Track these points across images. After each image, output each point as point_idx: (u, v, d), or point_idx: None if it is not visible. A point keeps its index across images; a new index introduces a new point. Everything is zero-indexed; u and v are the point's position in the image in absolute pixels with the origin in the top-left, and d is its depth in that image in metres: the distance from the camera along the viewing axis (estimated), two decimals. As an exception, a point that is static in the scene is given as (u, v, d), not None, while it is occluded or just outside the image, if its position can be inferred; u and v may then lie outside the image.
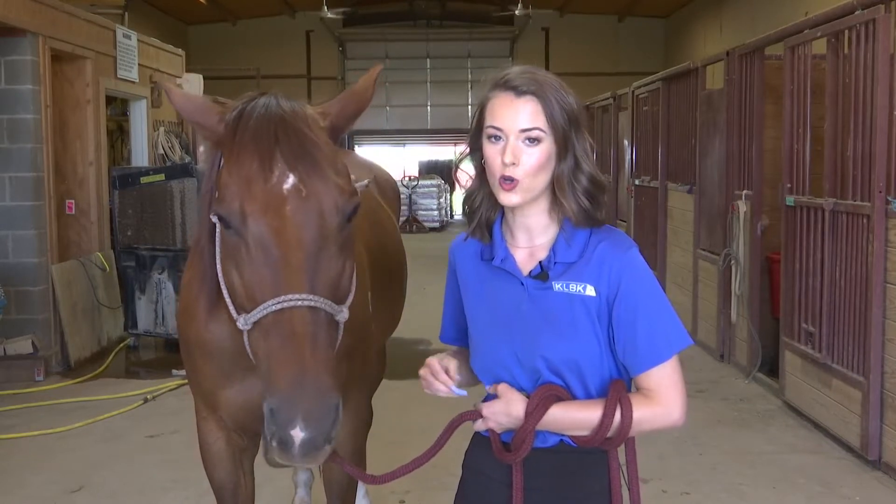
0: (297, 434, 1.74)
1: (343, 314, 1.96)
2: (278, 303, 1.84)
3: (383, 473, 2.07)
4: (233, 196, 1.93)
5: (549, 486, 2.00)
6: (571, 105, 1.92)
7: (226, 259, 2.02)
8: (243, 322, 1.92)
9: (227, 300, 2.01)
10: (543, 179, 1.92)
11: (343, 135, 2.21)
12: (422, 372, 2.04)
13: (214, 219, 2.05)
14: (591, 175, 1.95)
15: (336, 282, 1.98)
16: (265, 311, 1.86)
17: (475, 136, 1.99)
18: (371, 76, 2.23)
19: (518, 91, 1.90)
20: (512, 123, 1.89)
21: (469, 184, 2.08)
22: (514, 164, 1.88)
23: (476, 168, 2.03)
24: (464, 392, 2.03)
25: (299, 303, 1.84)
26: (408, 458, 2.04)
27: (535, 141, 1.89)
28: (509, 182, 1.89)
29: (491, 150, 1.92)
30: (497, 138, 1.91)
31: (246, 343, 1.96)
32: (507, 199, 1.91)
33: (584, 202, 1.94)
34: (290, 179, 1.94)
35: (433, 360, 2.05)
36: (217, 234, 2.09)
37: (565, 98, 1.92)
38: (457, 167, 2.13)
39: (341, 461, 2.11)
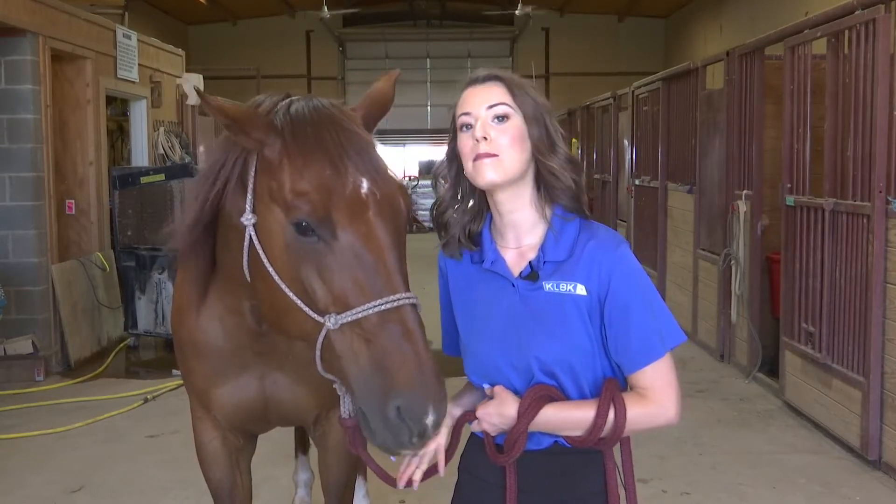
0: (430, 419, 1.84)
1: (419, 306, 2.01)
2: (387, 302, 1.89)
3: (401, 476, 2.06)
4: (316, 204, 1.93)
5: (544, 488, 1.99)
6: (532, 88, 1.97)
7: (298, 263, 1.98)
8: (333, 322, 1.92)
9: (299, 303, 1.99)
10: (520, 158, 1.93)
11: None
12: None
13: (249, 222, 2.03)
14: (567, 154, 1.98)
15: (408, 276, 2.06)
16: (368, 311, 1.89)
17: (452, 139, 2.01)
18: (391, 80, 2.28)
19: (480, 79, 1.97)
20: (479, 104, 1.93)
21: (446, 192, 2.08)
22: (485, 138, 1.90)
23: (452, 176, 2.04)
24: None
25: (406, 302, 1.90)
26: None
27: (503, 118, 1.92)
28: (487, 156, 1.90)
29: (463, 138, 1.95)
30: (468, 126, 1.94)
31: (318, 342, 1.94)
32: (486, 175, 1.91)
33: (567, 180, 1.96)
34: (366, 183, 1.98)
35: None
36: (255, 238, 2.04)
37: (528, 87, 1.97)
38: (437, 177, 2.12)
39: (369, 458, 2.11)
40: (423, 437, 1.85)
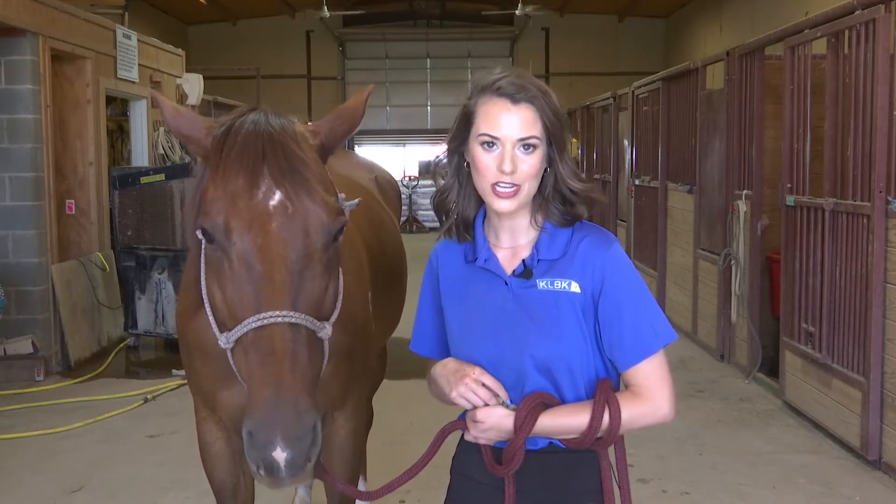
0: (280, 455, 1.70)
1: (326, 331, 1.93)
2: (258, 320, 1.81)
3: (376, 489, 2.06)
4: (217, 211, 1.90)
5: (539, 488, 2.00)
6: (559, 108, 1.94)
7: (209, 274, 1.98)
8: (225, 340, 1.88)
9: (210, 317, 1.97)
10: (536, 184, 1.94)
11: (332, 153, 2.17)
12: (472, 384, 1.91)
13: (199, 233, 2.03)
14: (576, 173, 1.98)
15: (320, 299, 1.94)
16: (245, 329, 1.83)
17: (458, 138, 1.98)
18: (362, 95, 2.19)
19: (514, 99, 1.90)
20: (510, 132, 1.89)
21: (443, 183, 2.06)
22: (513, 172, 1.88)
23: (452, 169, 2.02)
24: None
25: (279, 319, 1.80)
26: (407, 458, 2.05)
27: (530, 148, 1.90)
28: (509, 188, 1.89)
29: (484, 157, 1.91)
30: (491, 145, 1.91)
31: (231, 363, 1.92)
32: (502, 205, 1.91)
33: (571, 198, 1.96)
34: (277, 196, 1.91)
35: (486, 377, 1.92)
36: (202, 248, 2.06)
37: (553, 102, 1.93)
38: (437, 166, 2.10)
39: (332, 479, 2.10)
40: (271, 472, 1.70)
